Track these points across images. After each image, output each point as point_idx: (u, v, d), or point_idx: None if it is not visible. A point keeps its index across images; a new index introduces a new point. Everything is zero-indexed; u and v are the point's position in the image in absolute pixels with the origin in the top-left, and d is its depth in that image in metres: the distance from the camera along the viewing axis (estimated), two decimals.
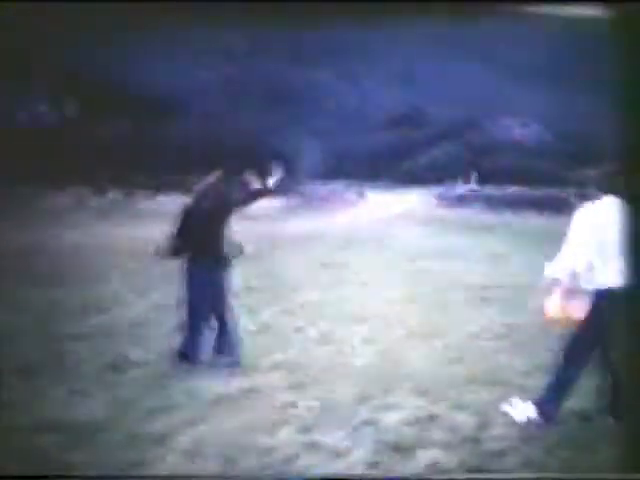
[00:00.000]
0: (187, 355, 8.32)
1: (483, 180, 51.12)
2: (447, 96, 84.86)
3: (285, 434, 6.32)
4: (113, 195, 45.88)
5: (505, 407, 6.91)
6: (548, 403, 6.75)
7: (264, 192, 8.76)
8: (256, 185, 8.68)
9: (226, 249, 8.49)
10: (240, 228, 24.90)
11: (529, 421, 6.65)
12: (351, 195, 47.34)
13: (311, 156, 62.24)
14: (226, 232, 8.54)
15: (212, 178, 8.52)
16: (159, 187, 48.61)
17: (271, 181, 8.73)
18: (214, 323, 8.54)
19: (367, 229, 28.96)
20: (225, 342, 8.54)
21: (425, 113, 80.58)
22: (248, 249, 19.74)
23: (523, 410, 6.78)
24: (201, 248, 8.31)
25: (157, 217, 28.18)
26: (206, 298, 8.38)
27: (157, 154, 58.43)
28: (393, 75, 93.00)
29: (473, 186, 50.83)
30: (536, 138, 71.44)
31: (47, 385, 7.43)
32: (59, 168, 47.95)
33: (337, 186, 50.09)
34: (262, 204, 43.49)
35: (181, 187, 48.15)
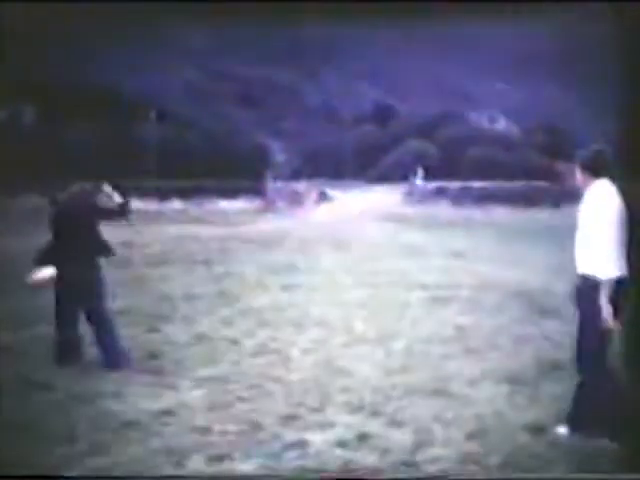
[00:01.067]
0: (65, 358, 8.41)
1: (451, 176, 50.74)
2: (414, 93, 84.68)
3: (193, 464, 5.65)
4: None
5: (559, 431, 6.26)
6: (574, 415, 6.13)
7: (118, 213, 8.95)
8: (114, 199, 8.88)
9: (96, 253, 8.69)
10: (190, 232, 24.37)
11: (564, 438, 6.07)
12: (314, 195, 46.68)
13: (275, 157, 61.70)
14: (95, 237, 8.71)
15: (77, 188, 8.76)
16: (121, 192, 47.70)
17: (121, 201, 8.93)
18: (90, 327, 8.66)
19: (328, 230, 28.31)
20: (107, 347, 8.52)
21: (392, 111, 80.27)
22: (196, 255, 19.26)
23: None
24: (69, 254, 8.44)
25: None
26: (77, 302, 8.50)
27: (118, 158, 57.59)
28: (359, 73, 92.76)
29: (420, 182, 50.58)
30: (504, 132, 71.35)
31: None
32: (12, 175, 47.04)
33: (300, 186, 49.42)
34: (221, 206, 42.92)
35: (139, 191, 47.51)
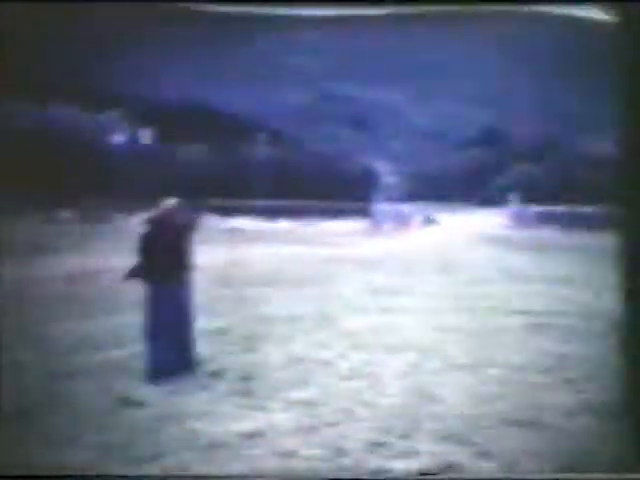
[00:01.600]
0: (157, 371, 8.52)
1: (558, 200, 49.71)
2: (523, 116, 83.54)
3: None
4: None
5: None
6: None
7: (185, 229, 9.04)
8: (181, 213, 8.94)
9: (185, 268, 8.85)
10: (295, 252, 24.49)
11: None
12: (420, 218, 46.39)
13: (383, 179, 61.61)
14: (187, 254, 8.87)
15: (167, 206, 8.84)
16: (230, 211, 48.45)
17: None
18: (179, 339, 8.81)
19: (431, 253, 28.05)
20: (186, 358, 8.84)
21: (500, 133, 79.34)
22: (299, 275, 19.28)
23: None
24: (162, 270, 8.60)
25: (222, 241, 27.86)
26: (169, 316, 8.61)
27: (232, 179, 58.37)
28: (468, 96, 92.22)
29: (518, 206, 49.57)
30: (612, 155, 69.57)
31: (37, 427, 6.80)
32: (125, 193, 48.31)
33: (406, 209, 49.17)
34: (328, 227, 43.12)
35: (247, 211, 48.04)
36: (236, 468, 5.92)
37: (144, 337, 8.71)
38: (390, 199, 53.23)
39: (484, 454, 6.29)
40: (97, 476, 4.92)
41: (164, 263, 8.59)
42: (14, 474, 4.97)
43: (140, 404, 7.60)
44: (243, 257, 24.79)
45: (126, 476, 4.92)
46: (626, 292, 5.33)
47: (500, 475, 5.85)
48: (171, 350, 8.62)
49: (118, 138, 70.63)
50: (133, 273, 8.76)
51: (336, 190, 55.54)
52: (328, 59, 79.23)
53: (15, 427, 6.87)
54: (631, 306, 5.26)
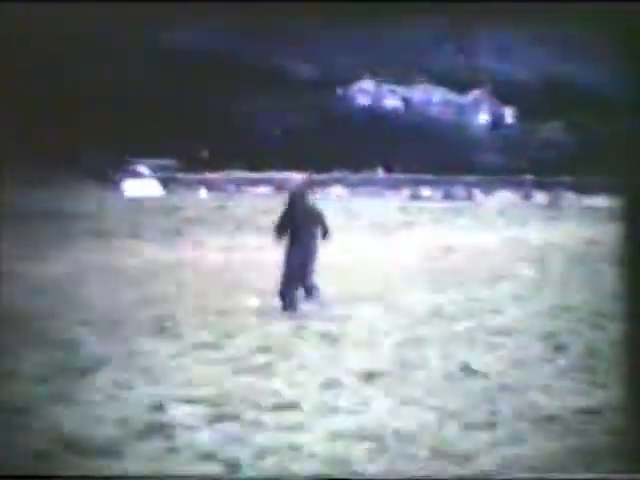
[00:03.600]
0: (284, 302, 10.36)
1: None
2: None
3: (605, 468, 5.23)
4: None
5: None
6: None
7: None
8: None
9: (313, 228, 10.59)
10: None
11: None
12: None
13: None
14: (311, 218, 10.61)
15: (301, 180, 11.79)
16: (586, 188, 46.39)
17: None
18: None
19: None
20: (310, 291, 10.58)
21: None
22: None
23: None
24: (298, 230, 10.41)
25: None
26: (300, 264, 10.42)
27: (587, 156, 56.19)
28: None
29: None
30: None
31: (381, 390, 7.01)
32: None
33: None
34: None
35: (608, 189, 45.73)
36: (568, 443, 5.68)
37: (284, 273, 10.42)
38: None
39: None
40: (99, 477, 4.92)
41: (293, 224, 10.40)
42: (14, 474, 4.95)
43: (481, 373, 7.54)
44: (599, 235, 23.73)
45: (129, 476, 4.88)
46: None
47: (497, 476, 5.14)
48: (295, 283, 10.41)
49: (482, 117, 70.92)
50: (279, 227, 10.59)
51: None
52: None
53: (366, 388, 7.10)
54: None
